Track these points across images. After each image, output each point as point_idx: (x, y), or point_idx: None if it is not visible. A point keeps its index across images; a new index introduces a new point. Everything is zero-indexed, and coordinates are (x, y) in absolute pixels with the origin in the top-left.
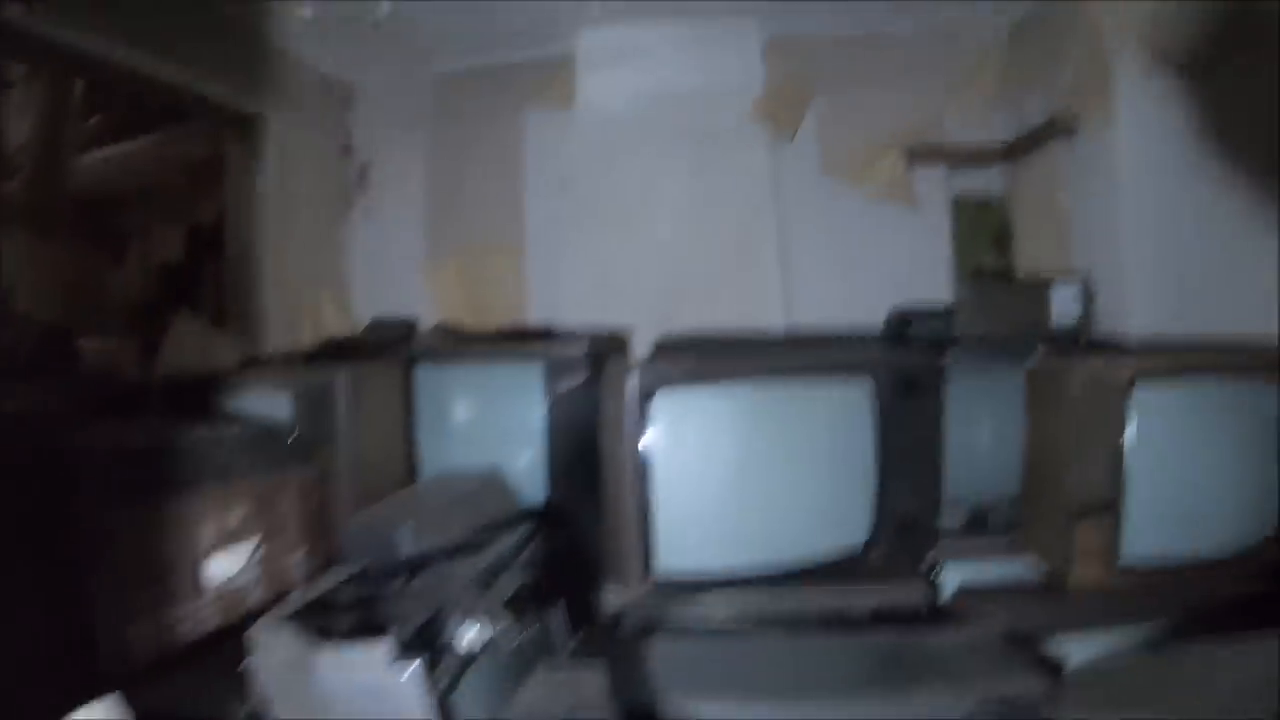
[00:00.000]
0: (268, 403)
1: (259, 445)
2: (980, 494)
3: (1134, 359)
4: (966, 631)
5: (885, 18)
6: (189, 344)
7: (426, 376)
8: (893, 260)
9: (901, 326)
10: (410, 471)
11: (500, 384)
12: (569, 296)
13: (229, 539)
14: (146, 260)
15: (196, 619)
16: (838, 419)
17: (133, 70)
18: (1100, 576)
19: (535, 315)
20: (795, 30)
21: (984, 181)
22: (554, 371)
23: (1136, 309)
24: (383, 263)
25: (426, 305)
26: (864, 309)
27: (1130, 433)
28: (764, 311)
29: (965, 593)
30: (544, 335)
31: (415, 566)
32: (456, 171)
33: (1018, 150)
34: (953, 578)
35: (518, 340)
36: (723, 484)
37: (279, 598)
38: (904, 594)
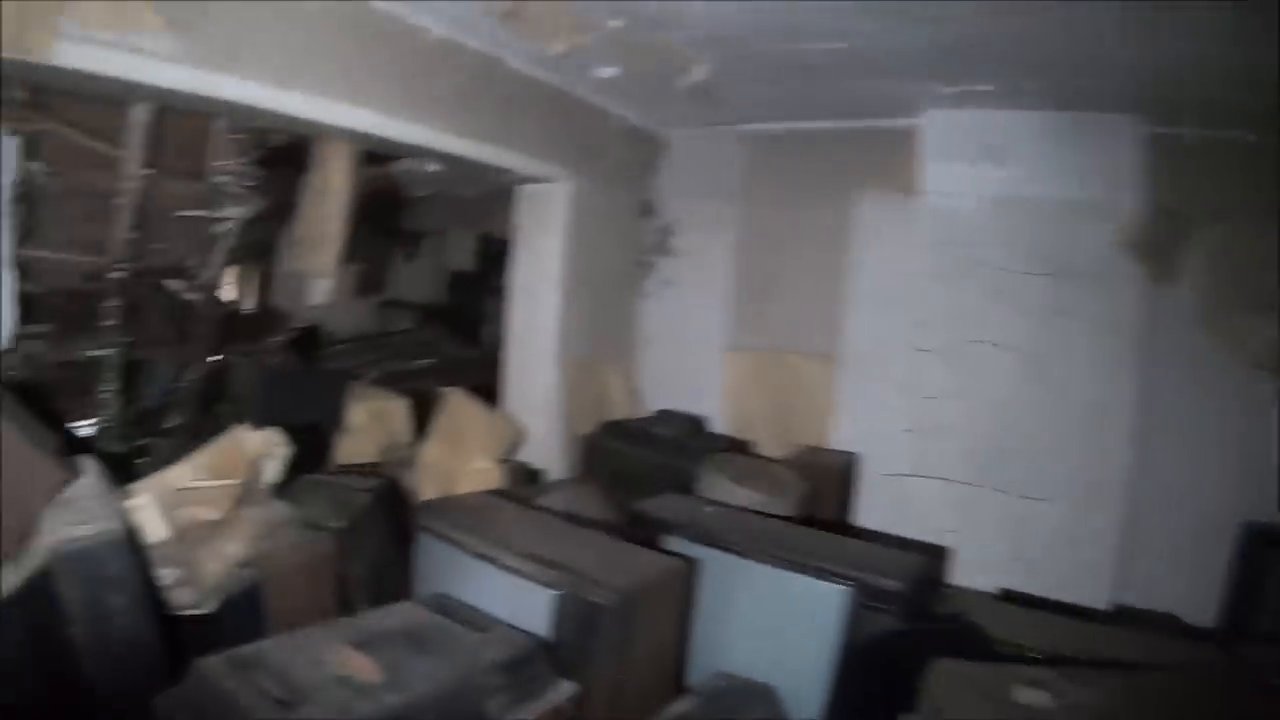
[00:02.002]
0: (521, 593)
1: (512, 671)
2: None
3: None
4: None
5: None
6: None
7: (718, 566)
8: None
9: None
10: (679, 663)
11: (796, 594)
12: (879, 429)
13: None
14: (439, 262)
15: None
16: None
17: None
18: None
19: (839, 438)
20: (1182, 131)
21: None
22: (858, 601)
23: None
24: (677, 343)
25: (719, 400)
26: (1223, 512)
27: None
28: (1102, 494)
29: None
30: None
31: None
32: (770, 251)
33: None
34: None
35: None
36: None
37: None
38: None
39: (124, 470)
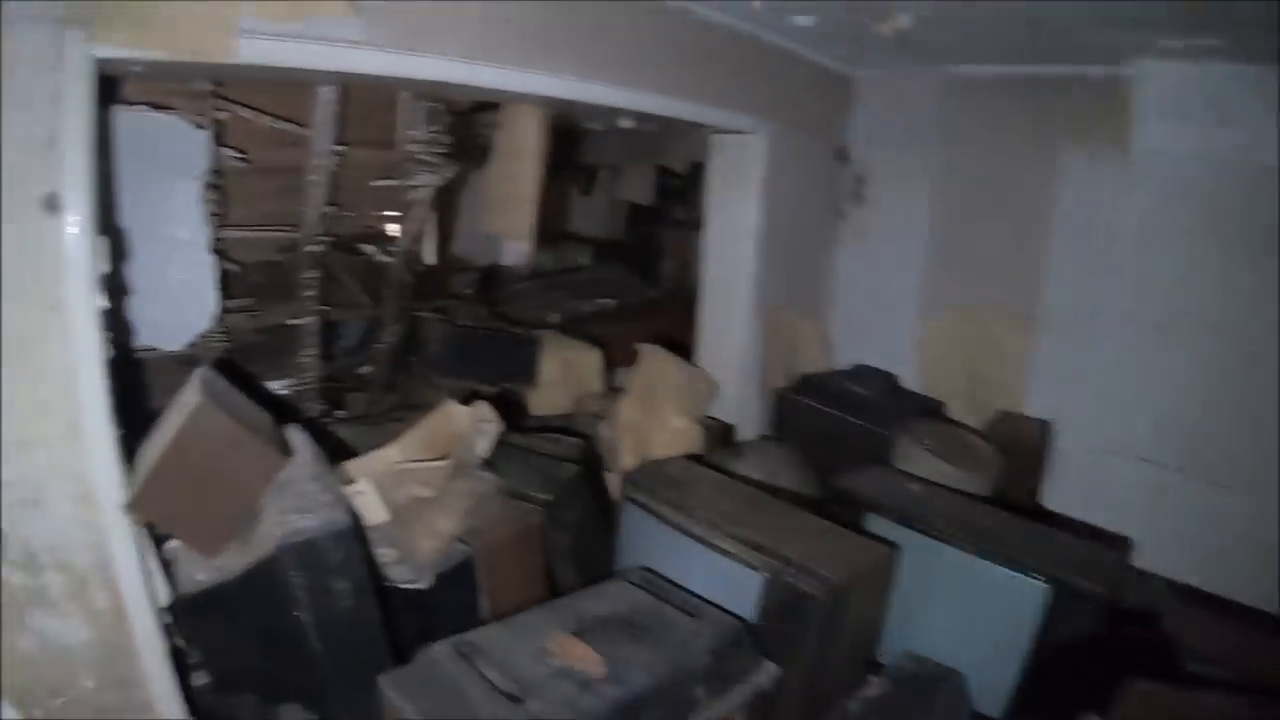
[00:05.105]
0: (728, 574)
1: (722, 658)
2: None
3: None
4: None
5: None
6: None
7: (919, 549)
8: None
9: None
10: (873, 643)
11: (996, 586)
12: (1075, 400)
13: None
14: (614, 196)
15: None
16: None
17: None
18: None
19: (1034, 405)
20: None
21: None
22: (1057, 600)
23: None
24: (870, 296)
25: (911, 356)
26: None
27: None
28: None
29: None
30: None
31: None
32: (968, 203)
33: None
34: None
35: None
36: None
37: None
38: None
39: (326, 434)
